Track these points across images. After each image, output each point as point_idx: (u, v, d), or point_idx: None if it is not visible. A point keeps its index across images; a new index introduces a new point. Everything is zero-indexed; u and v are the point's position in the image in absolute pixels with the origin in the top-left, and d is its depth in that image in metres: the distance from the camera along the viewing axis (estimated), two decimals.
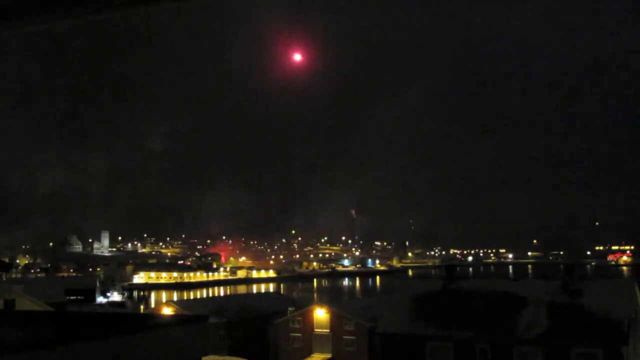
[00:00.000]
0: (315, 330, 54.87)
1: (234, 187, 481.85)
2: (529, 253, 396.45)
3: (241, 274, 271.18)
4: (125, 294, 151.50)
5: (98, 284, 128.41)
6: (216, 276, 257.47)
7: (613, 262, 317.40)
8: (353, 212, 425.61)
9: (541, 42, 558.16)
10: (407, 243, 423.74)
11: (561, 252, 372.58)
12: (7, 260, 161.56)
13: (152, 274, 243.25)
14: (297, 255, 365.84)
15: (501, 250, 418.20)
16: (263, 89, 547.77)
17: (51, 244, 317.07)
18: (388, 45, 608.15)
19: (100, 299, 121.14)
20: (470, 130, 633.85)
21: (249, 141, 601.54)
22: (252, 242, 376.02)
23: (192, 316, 16.32)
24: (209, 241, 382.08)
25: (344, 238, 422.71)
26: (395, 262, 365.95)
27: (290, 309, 58.40)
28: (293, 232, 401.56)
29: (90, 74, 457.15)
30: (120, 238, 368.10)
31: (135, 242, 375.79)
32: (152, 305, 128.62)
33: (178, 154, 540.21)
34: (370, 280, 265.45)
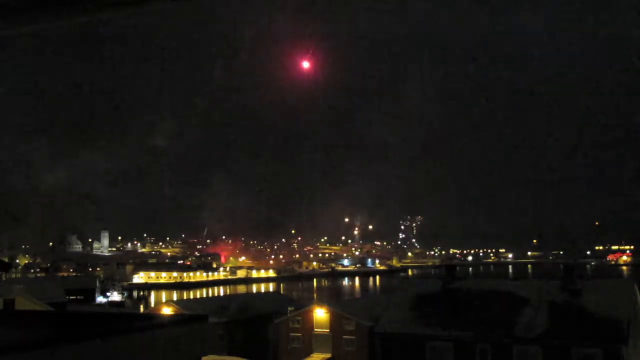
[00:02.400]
0: (315, 330, 54.86)
1: (234, 187, 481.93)
2: (529, 253, 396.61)
3: (241, 274, 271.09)
4: (125, 294, 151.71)
5: (98, 284, 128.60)
6: (216, 276, 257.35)
7: (613, 262, 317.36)
8: (353, 213, 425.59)
9: (545, 41, 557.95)
10: (407, 243, 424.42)
11: (561, 252, 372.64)
12: (7, 260, 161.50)
13: (152, 274, 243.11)
14: (297, 255, 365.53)
15: (501, 250, 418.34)
16: (265, 91, 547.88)
17: (51, 244, 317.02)
18: (392, 46, 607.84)
19: (100, 299, 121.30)
20: (470, 131, 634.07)
21: (249, 141, 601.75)
22: (252, 242, 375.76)
23: (192, 316, 16.33)
24: (209, 241, 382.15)
25: (344, 238, 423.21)
26: (395, 262, 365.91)
27: (290, 309, 58.38)
28: (293, 232, 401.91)
29: (92, 73, 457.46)
30: (120, 238, 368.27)
31: (135, 242, 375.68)
32: (152, 305, 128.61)
33: (179, 154, 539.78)
34: (370, 280, 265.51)
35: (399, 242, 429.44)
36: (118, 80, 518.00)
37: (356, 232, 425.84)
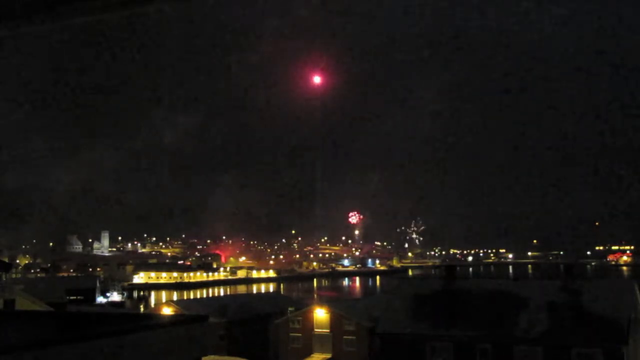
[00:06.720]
0: (315, 330, 54.86)
1: (234, 187, 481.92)
2: (529, 253, 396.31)
3: (241, 274, 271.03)
4: (125, 294, 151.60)
5: (98, 284, 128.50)
6: (216, 276, 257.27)
7: (613, 262, 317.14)
8: (353, 212, 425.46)
9: (546, 42, 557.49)
10: (406, 244, 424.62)
11: (561, 252, 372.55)
12: (7, 260, 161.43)
13: (152, 274, 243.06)
14: (297, 255, 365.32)
15: (501, 250, 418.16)
16: (269, 95, 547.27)
17: (51, 244, 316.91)
18: (395, 48, 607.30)
19: (100, 299, 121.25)
20: (471, 132, 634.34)
21: (249, 142, 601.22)
22: (252, 242, 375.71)
23: (192, 316, 16.33)
24: (209, 241, 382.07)
25: (344, 238, 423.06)
26: (395, 262, 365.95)
27: (290, 309, 58.40)
28: (293, 232, 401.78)
29: (94, 70, 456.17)
30: (120, 238, 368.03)
31: (135, 242, 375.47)
32: (152, 305, 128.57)
33: (179, 154, 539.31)
34: (370, 280, 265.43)
35: (399, 242, 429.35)
36: (121, 80, 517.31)
37: (356, 232, 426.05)
